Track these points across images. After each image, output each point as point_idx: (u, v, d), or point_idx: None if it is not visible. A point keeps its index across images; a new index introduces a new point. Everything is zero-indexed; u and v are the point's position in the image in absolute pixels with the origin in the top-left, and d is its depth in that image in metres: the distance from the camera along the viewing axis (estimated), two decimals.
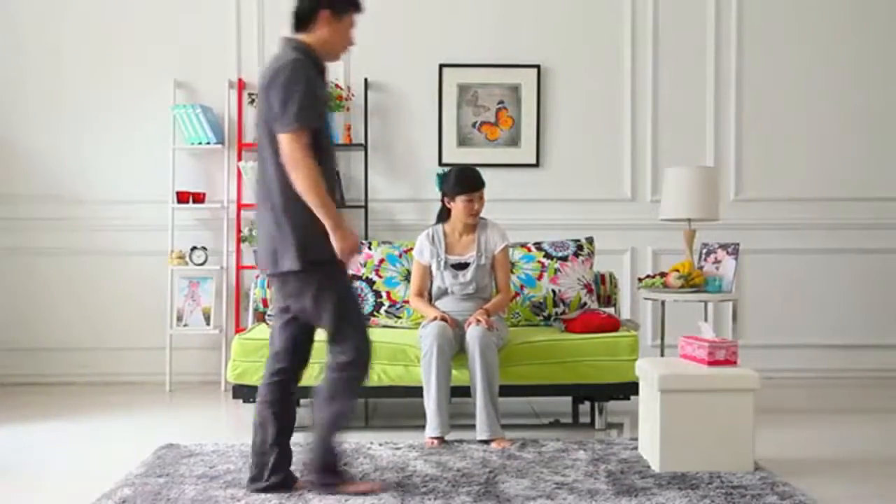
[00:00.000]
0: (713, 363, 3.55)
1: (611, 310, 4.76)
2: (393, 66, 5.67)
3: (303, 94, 2.99)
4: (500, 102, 5.68)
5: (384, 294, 4.55)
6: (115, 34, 5.66)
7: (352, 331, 3.13)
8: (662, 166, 5.49)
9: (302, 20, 3.18)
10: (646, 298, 4.72)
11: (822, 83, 5.77)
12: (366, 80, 5.61)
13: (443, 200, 4.30)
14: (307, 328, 3.23)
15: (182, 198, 5.49)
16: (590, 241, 4.85)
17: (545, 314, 4.60)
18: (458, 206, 4.20)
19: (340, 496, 3.13)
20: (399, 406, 4.88)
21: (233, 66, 5.66)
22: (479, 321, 4.01)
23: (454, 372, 4.01)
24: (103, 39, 5.66)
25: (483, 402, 3.90)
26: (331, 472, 3.18)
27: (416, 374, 4.12)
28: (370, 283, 4.56)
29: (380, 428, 4.40)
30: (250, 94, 5.56)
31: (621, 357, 4.21)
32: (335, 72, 5.64)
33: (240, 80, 5.62)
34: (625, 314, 5.56)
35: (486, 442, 3.87)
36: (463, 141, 5.68)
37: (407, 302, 4.52)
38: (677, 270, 4.56)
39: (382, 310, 4.53)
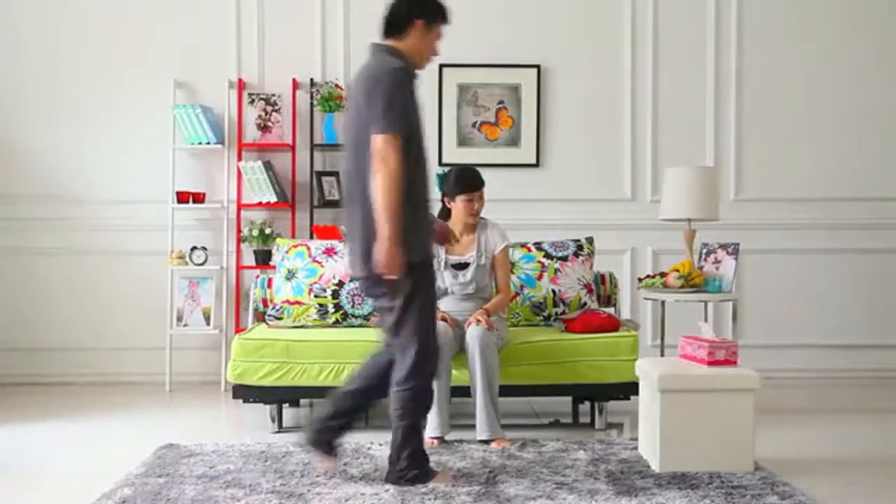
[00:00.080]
0: (713, 363, 3.55)
1: (611, 310, 4.75)
2: None
3: (404, 102, 3.09)
4: (500, 102, 5.68)
5: None
6: (115, 34, 5.66)
7: (423, 336, 3.18)
8: (662, 166, 5.49)
9: (394, 27, 3.27)
10: (646, 298, 4.72)
11: (822, 83, 5.77)
12: None
13: (443, 200, 4.29)
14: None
15: (182, 198, 5.49)
16: (590, 241, 4.85)
17: (545, 314, 4.60)
18: (458, 205, 4.19)
19: (341, 496, 3.13)
20: None
21: (233, 66, 5.66)
22: (478, 321, 4.01)
23: (454, 372, 4.01)
24: (103, 39, 5.66)
25: (483, 402, 3.90)
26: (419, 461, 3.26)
27: None
28: None
29: (380, 428, 4.40)
30: (250, 94, 5.56)
31: (621, 357, 4.21)
32: (335, 72, 5.65)
33: (240, 80, 5.62)
34: (625, 314, 5.56)
35: (486, 442, 3.87)
36: (463, 141, 5.68)
37: None
38: (677, 270, 4.56)
39: None
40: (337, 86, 5.49)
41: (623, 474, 3.41)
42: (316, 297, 4.51)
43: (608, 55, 5.73)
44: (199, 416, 4.74)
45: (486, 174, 4.28)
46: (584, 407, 4.76)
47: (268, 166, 5.43)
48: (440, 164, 5.59)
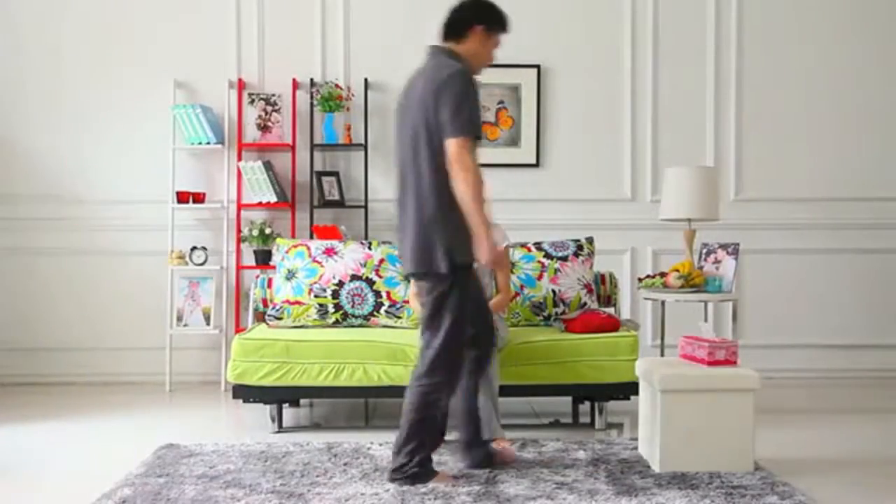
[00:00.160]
0: (713, 363, 3.55)
1: (611, 310, 4.75)
2: (393, 66, 5.66)
3: (472, 104, 3.14)
4: (500, 102, 5.68)
5: (384, 294, 4.55)
6: (115, 34, 5.66)
7: (451, 337, 3.24)
8: (662, 166, 5.49)
9: (454, 31, 3.34)
10: (646, 298, 4.72)
11: (822, 83, 5.77)
12: (366, 80, 5.61)
13: None
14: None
15: (182, 198, 5.49)
16: (590, 241, 4.85)
17: (545, 314, 4.60)
18: None
19: (341, 496, 3.13)
20: (399, 406, 4.85)
21: (233, 66, 5.66)
22: None
23: None
24: (103, 39, 5.66)
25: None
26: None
27: None
28: (370, 283, 4.56)
29: (380, 428, 4.40)
30: (250, 94, 5.56)
31: (621, 357, 4.21)
32: (335, 72, 5.65)
33: (240, 80, 5.62)
34: (625, 314, 5.56)
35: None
36: None
37: (407, 302, 4.51)
38: (677, 270, 4.56)
39: (382, 310, 4.53)
40: (337, 86, 5.49)
41: (623, 474, 3.41)
42: (316, 297, 4.51)
43: (608, 55, 5.73)
44: (199, 416, 4.74)
45: (486, 174, 4.27)
46: (584, 407, 4.76)
47: (268, 166, 5.43)
48: None
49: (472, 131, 3.13)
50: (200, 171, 5.69)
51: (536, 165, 5.69)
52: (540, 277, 4.63)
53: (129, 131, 5.66)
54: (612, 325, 4.35)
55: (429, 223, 3.19)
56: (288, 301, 4.51)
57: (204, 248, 5.48)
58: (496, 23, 3.40)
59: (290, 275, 4.59)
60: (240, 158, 5.55)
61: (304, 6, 5.69)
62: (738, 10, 5.74)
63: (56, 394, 5.28)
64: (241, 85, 5.62)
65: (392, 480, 3.27)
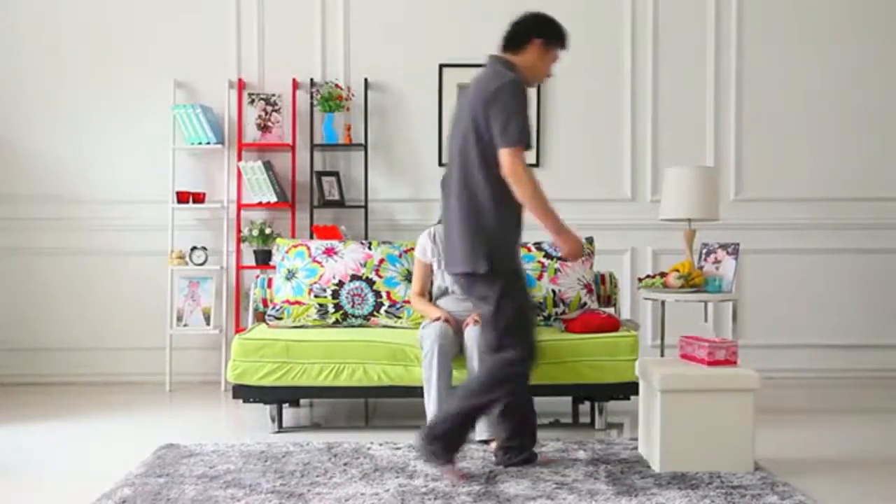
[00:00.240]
0: (713, 363, 3.55)
1: (611, 310, 4.75)
2: (393, 66, 5.67)
3: (522, 115, 3.25)
4: None
5: (384, 294, 4.55)
6: (115, 34, 5.66)
7: (521, 337, 3.34)
8: (662, 166, 5.49)
9: (514, 42, 3.45)
10: (646, 298, 4.72)
11: (822, 83, 5.77)
12: (366, 80, 5.61)
13: None
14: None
15: (182, 198, 5.49)
16: (590, 241, 4.85)
17: (545, 314, 4.60)
18: None
19: (341, 496, 3.13)
20: (399, 406, 4.89)
21: (233, 66, 5.66)
22: (476, 321, 4.01)
23: (454, 373, 4.01)
24: (103, 39, 5.66)
25: None
26: (444, 445, 3.30)
27: (416, 374, 4.12)
28: (370, 283, 4.56)
29: (380, 428, 4.40)
30: (250, 94, 5.56)
31: (621, 357, 4.21)
32: (335, 72, 5.65)
33: (240, 80, 5.62)
34: (625, 314, 5.56)
35: (486, 442, 3.86)
36: None
37: (407, 302, 4.52)
38: (677, 270, 4.56)
39: (382, 310, 4.53)
40: (337, 86, 5.49)
41: (623, 474, 3.41)
42: (316, 297, 4.51)
43: (608, 55, 5.72)
44: (199, 416, 4.74)
45: None
46: (584, 407, 4.76)
47: (268, 166, 5.43)
48: (440, 164, 5.59)
49: (523, 141, 3.24)
50: (200, 171, 5.69)
51: (536, 165, 5.68)
52: (540, 277, 4.63)
53: (129, 131, 5.66)
54: (612, 325, 4.35)
55: (478, 225, 3.31)
56: (288, 301, 4.51)
57: (204, 248, 5.48)
58: (555, 38, 3.50)
59: (290, 275, 4.59)
60: (240, 158, 5.55)
61: (304, 6, 5.69)
62: (738, 10, 5.74)
63: (56, 394, 5.28)
64: (241, 85, 5.62)
65: (419, 446, 3.30)
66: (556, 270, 4.65)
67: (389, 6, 5.68)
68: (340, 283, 4.53)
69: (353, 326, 4.53)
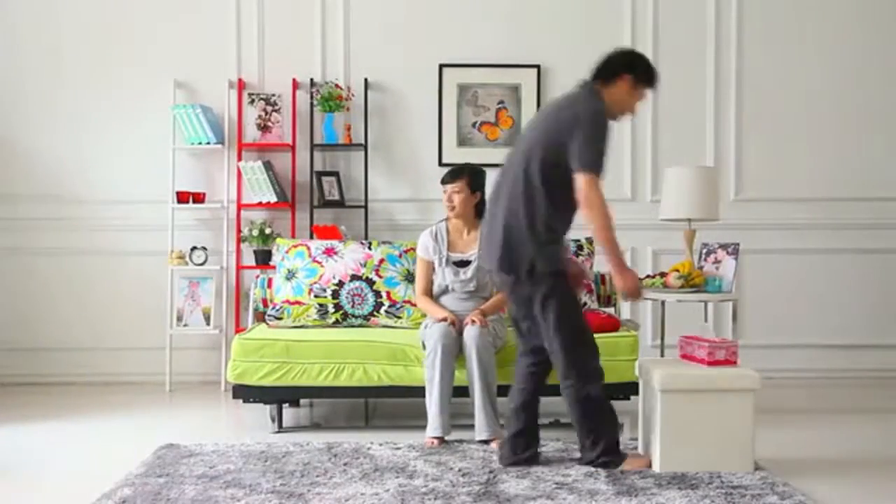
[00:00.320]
0: (713, 363, 3.55)
1: (611, 310, 4.75)
2: (393, 66, 5.66)
3: (604, 144, 3.34)
4: (500, 102, 5.68)
5: (384, 294, 4.55)
6: (115, 34, 5.66)
7: (567, 335, 3.44)
8: (662, 166, 5.48)
9: (604, 74, 3.50)
10: (646, 298, 4.71)
11: (822, 83, 5.76)
12: (366, 80, 5.61)
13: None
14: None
15: (182, 198, 5.49)
16: (590, 241, 4.84)
17: None
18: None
19: (341, 496, 3.13)
20: (399, 406, 4.89)
21: (233, 66, 5.66)
22: (474, 321, 4.01)
23: (455, 372, 4.01)
24: (103, 39, 5.66)
25: (481, 402, 3.90)
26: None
27: (416, 374, 4.12)
28: (370, 283, 4.56)
29: (380, 428, 4.40)
30: (250, 94, 5.56)
31: (621, 357, 4.20)
32: (335, 72, 5.65)
33: (240, 80, 5.62)
34: (625, 314, 5.55)
35: (486, 442, 3.87)
36: (463, 141, 5.68)
37: (407, 302, 4.51)
38: (677, 270, 4.55)
39: (382, 310, 4.53)
40: (337, 86, 5.49)
41: (623, 474, 3.41)
42: (316, 297, 4.51)
43: None
44: (199, 416, 4.74)
45: (485, 174, 4.28)
46: None
47: (268, 166, 5.43)
48: (440, 164, 5.59)
49: (599, 168, 3.32)
50: (200, 171, 5.69)
51: None
52: None
53: (129, 131, 5.66)
54: (612, 325, 4.35)
55: (530, 232, 3.37)
56: (288, 301, 4.51)
57: (204, 248, 5.48)
58: (645, 76, 3.53)
59: (290, 275, 4.59)
60: (240, 158, 5.55)
61: (304, 6, 5.69)
62: (738, 10, 5.73)
63: (56, 394, 5.28)
64: (241, 85, 5.62)
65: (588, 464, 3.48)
66: None
67: (389, 6, 5.68)
68: (340, 283, 4.53)
69: (353, 326, 4.53)
